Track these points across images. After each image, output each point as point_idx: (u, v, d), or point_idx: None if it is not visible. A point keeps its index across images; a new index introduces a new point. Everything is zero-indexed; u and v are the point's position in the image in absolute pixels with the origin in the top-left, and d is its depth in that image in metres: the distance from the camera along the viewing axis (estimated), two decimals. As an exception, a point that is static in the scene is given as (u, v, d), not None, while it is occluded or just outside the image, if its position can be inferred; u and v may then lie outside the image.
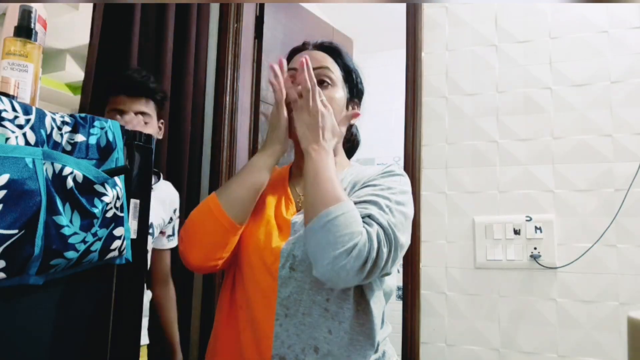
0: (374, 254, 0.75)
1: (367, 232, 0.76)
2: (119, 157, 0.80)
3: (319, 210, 0.77)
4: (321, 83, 0.94)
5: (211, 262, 0.88)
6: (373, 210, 0.80)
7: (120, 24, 1.23)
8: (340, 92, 0.97)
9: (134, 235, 0.86)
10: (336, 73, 0.97)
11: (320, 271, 0.76)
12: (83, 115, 0.77)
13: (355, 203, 0.81)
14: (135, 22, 1.25)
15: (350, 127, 1.04)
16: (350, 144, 1.08)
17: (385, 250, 0.77)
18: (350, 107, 1.01)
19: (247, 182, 0.88)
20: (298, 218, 0.89)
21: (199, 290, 1.56)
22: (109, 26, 1.21)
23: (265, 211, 0.93)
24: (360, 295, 0.84)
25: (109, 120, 0.80)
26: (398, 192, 0.86)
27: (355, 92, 1.02)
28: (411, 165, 1.47)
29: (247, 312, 0.86)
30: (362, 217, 0.78)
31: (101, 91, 1.24)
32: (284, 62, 0.91)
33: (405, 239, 0.82)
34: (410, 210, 0.86)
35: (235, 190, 0.88)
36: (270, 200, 0.95)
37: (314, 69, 0.94)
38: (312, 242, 0.77)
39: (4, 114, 0.63)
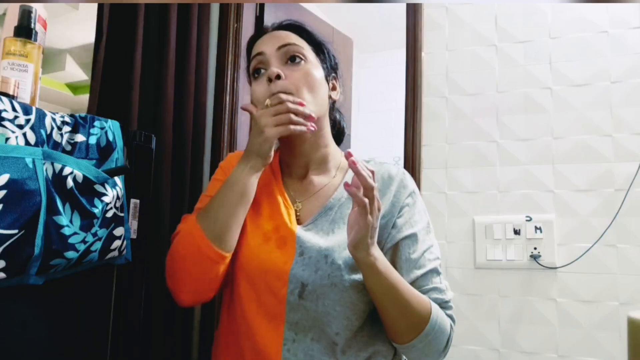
0: (453, 335, 0.82)
1: (451, 317, 0.82)
2: (119, 157, 0.80)
3: (419, 329, 0.76)
4: (293, 60, 0.85)
5: (204, 297, 0.82)
6: (436, 281, 0.83)
7: (124, 24, 1.23)
8: (318, 68, 0.88)
9: (134, 235, 0.86)
10: (306, 48, 0.88)
11: None
12: (83, 115, 0.77)
13: (414, 281, 0.81)
14: (139, 22, 1.25)
15: (332, 110, 0.95)
16: (335, 131, 0.97)
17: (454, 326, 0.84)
18: (330, 83, 0.91)
19: (230, 205, 0.78)
20: (305, 234, 0.81)
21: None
22: (113, 25, 1.21)
23: (261, 221, 0.84)
24: (374, 331, 0.82)
25: (109, 120, 0.80)
26: (427, 218, 0.89)
27: (330, 65, 0.92)
28: (411, 165, 1.47)
29: (244, 337, 0.79)
30: (437, 302, 0.81)
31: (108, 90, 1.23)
32: None
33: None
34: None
35: (218, 217, 0.77)
36: (265, 208, 0.85)
37: (280, 46, 0.85)
38: (414, 353, 0.80)
39: (4, 114, 0.63)
